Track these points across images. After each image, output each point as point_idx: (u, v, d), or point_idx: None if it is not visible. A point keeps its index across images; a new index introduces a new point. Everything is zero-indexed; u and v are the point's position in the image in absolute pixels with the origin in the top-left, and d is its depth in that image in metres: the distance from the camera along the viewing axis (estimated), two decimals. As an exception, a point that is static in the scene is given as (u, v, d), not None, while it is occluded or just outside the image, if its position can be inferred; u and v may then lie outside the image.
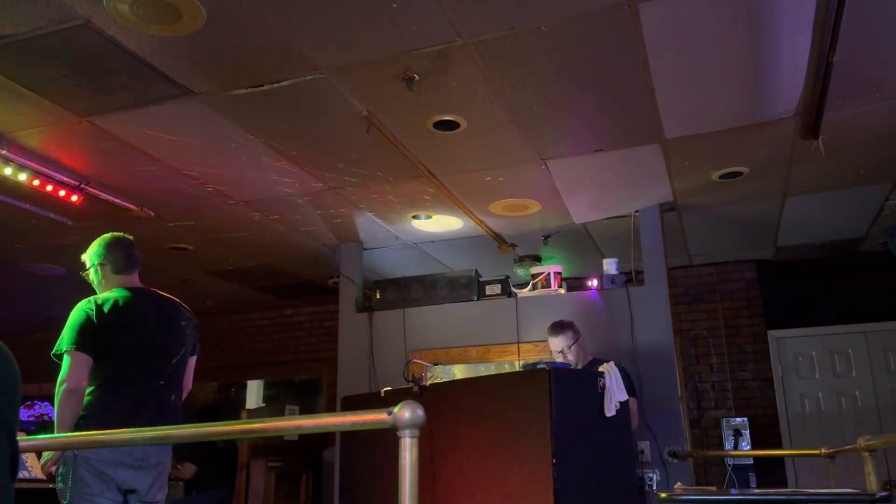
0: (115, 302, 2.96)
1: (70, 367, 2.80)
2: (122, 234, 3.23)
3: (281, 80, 3.22)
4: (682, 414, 4.53)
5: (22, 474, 3.93)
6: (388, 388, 3.84)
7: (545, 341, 4.44)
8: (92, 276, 3.14)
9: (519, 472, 3.12)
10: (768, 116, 3.65)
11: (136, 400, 2.90)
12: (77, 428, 2.75)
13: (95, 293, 3.08)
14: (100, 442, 2.24)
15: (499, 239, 5.53)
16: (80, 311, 2.92)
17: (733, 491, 4.34)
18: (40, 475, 4.05)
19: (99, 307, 2.92)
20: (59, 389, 2.77)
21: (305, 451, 6.24)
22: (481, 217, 5.07)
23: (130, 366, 2.93)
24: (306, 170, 4.20)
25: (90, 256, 3.15)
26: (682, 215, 5.15)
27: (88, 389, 2.84)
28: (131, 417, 2.79)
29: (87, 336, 2.85)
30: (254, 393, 8.50)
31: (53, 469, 2.78)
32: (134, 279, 3.16)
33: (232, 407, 8.25)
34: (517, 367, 4.78)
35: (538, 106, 3.50)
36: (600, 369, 3.49)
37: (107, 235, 3.19)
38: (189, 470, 5.79)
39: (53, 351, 2.86)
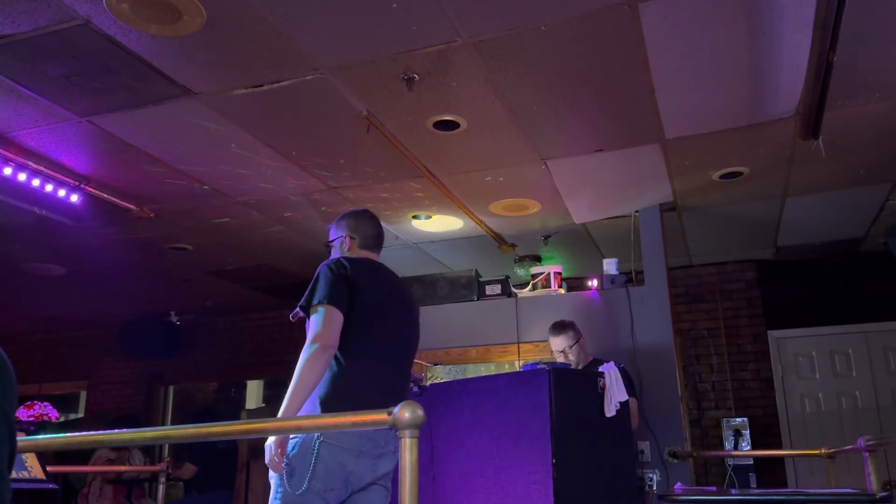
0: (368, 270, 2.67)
1: (323, 322, 2.42)
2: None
3: (281, 80, 3.22)
4: (682, 414, 4.53)
5: (22, 474, 3.92)
6: (388, 388, 3.84)
7: (545, 341, 4.44)
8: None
9: (519, 472, 3.12)
10: (768, 116, 3.65)
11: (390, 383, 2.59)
12: (323, 404, 2.41)
13: None
14: (99, 441, 2.22)
15: (499, 239, 5.53)
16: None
17: (733, 491, 4.34)
18: (40, 475, 4.05)
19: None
20: (309, 346, 2.38)
21: (305, 451, 6.23)
22: (481, 217, 5.07)
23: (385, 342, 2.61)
24: (306, 170, 4.20)
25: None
26: (682, 215, 5.15)
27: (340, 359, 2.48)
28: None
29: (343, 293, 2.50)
30: (254, 393, 8.51)
31: (282, 454, 2.34)
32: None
33: (232, 407, 8.25)
34: (517, 367, 4.78)
35: (538, 106, 3.50)
36: (600, 368, 3.50)
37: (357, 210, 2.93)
38: (189, 470, 5.80)
39: (301, 303, 2.53)
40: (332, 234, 2.87)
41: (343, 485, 2.40)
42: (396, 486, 1.59)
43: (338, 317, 2.46)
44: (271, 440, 2.37)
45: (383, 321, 2.62)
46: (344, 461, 2.36)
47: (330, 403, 2.40)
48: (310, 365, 2.36)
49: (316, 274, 2.56)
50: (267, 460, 2.39)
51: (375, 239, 2.86)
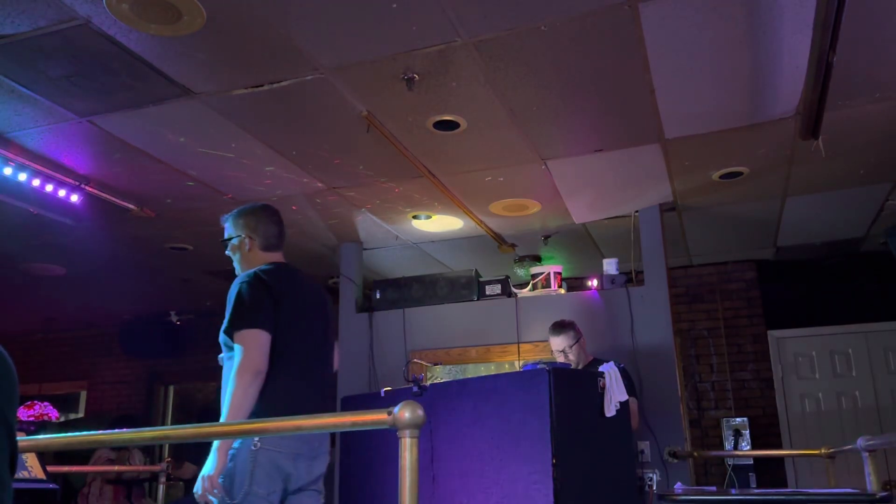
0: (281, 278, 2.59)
1: (251, 347, 2.39)
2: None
3: (281, 80, 3.22)
4: (682, 414, 4.53)
5: (22, 474, 3.92)
6: (388, 388, 3.84)
7: (545, 341, 4.44)
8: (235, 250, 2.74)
9: (519, 472, 3.12)
10: (768, 116, 3.65)
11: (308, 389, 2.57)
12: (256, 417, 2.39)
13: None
14: (98, 441, 2.21)
15: (499, 239, 5.53)
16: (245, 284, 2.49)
17: (733, 491, 4.34)
18: (40, 475, 4.05)
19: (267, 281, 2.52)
20: (240, 374, 2.35)
21: (305, 451, 6.23)
22: (481, 217, 5.07)
23: (300, 350, 2.58)
24: (306, 170, 4.20)
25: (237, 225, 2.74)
26: (682, 215, 5.15)
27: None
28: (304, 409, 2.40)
29: (267, 312, 2.45)
30: (254, 393, 8.50)
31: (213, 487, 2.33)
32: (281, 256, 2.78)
33: (232, 407, 8.24)
34: (517, 367, 4.78)
35: (538, 106, 3.50)
36: (600, 368, 3.49)
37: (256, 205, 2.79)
38: (189, 470, 5.79)
39: (224, 328, 2.47)
40: (229, 231, 2.75)
41: (283, 486, 2.42)
42: (395, 486, 1.59)
43: (265, 340, 2.42)
44: (208, 472, 2.35)
45: (304, 332, 2.59)
46: (282, 464, 2.39)
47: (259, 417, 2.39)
48: (241, 393, 2.34)
49: (236, 293, 2.49)
50: (199, 491, 2.36)
51: (278, 238, 2.75)
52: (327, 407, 2.62)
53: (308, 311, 2.65)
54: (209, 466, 2.36)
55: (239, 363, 2.38)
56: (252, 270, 2.58)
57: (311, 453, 2.49)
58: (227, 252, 2.78)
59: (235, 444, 2.38)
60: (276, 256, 2.75)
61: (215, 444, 2.39)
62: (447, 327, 5.13)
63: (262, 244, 2.71)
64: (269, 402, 2.42)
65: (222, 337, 2.52)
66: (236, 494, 2.33)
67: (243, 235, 2.71)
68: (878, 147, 4.05)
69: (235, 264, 2.75)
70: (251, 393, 2.36)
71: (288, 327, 2.51)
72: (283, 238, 2.78)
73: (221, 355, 2.60)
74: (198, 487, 2.36)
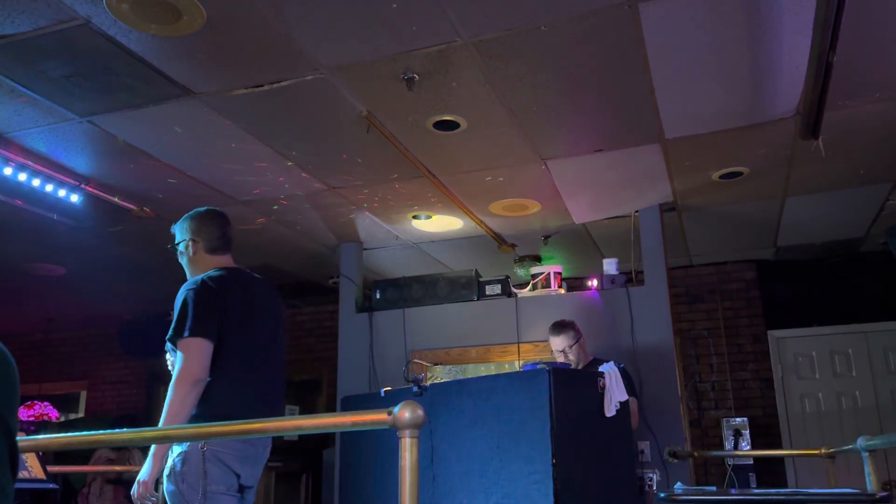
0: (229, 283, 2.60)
1: (192, 356, 2.41)
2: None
3: (281, 80, 3.22)
4: (682, 414, 4.53)
5: (22, 474, 3.92)
6: (388, 388, 3.85)
7: (545, 341, 4.44)
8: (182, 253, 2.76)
9: (519, 471, 3.12)
10: (768, 116, 3.65)
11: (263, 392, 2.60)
12: (199, 420, 2.42)
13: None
14: (99, 441, 2.20)
15: (499, 239, 5.53)
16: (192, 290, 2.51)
17: (733, 491, 4.34)
18: (40, 475, 4.04)
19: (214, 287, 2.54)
20: (178, 383, 2.38)
21: (305, 451, 6.24)
22: (481, 217, 5.07)
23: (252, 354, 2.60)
24: (306, 170, 4.20)
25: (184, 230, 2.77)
26: (682, 215, 5.15)
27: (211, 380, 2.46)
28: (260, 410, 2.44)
29: (211, 319, 2.47)
30: (254, 393, 8.49)
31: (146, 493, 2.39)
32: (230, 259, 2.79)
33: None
34: (517, 367, 4.78)
35: (538, 106, 3.50)
36: (599, 368, 3.50)
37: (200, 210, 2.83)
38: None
39: (169, 336, 2.50)
40: (177, 237, 2.79)
41: (237, 482, 2.45)
42: (396, 486, 1.59)
43: (207, 349, 2.44)
44: (143, 477, 2.39)
45: (253, 335, 2.59)
46: (232, 465, 2.42)
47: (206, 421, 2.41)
48: (179, 402, 2.37)
49: (182, 300, 2.51)
50: (136, 494, 2.39)
51: (221, 240, 2.75)
52: (275, 409, 2.64)
53: (257, 314, 2.65)
54: (144, 471, 2.40)
55: (178, 372, 2.40)
56: (199, 276, 2.60)
57: (256, 458, 2.52)
58: (178, 259, 2.81)
59: (183, 448, 2.41)
60: (225, 260, 2.75)
61: (152, 449, 2.43)
62: (447, 327, 5.13)
63: (206, 247, 2.72)
64: (214, 405, 2.43)
65: (167, 344, 2.55)
66: (191, 497, 2.35)
67: (187, 239, 2.73)
68: (878, 147, 4.05)
69: (185, 269, 2.77)
70: (189, 402, 2.38)
71: (235, 331, 2.53)
72: (228, 240, 2.78)
73: (169, 357, 2.62)
74: (133, 490, 2.41)
